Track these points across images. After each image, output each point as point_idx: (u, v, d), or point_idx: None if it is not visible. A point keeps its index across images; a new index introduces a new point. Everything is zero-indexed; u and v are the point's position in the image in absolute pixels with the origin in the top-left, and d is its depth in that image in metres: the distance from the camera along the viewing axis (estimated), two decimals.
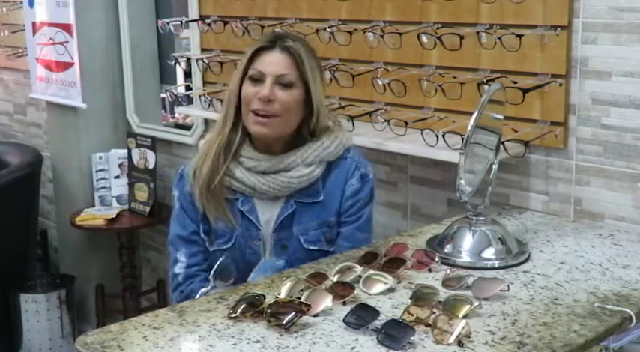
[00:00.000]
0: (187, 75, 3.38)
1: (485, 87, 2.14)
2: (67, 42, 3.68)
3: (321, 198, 2.02)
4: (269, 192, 1.99)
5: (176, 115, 3.90)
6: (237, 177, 1.99)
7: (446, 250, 1.88)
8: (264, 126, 1.94)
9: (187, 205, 2.05)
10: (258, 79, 1.93)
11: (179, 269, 2.05)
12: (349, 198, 2.03)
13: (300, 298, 1.58)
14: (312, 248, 2.00)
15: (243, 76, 1.96)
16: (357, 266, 1.75)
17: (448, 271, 1.75)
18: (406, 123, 2.36)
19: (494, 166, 1.94)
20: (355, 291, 1.63)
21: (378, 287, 1.67)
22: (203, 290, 1.84)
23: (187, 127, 3.56)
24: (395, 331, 1.45)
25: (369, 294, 1.66)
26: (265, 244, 2.02)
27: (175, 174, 3.39)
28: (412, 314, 1.51)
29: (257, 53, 1.95)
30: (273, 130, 1.95)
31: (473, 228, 1.88)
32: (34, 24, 3.90)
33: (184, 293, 2.02)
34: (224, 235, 2.02)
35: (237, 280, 1.91)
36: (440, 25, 2.34)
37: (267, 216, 2.02)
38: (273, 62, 1.93)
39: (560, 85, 2.13)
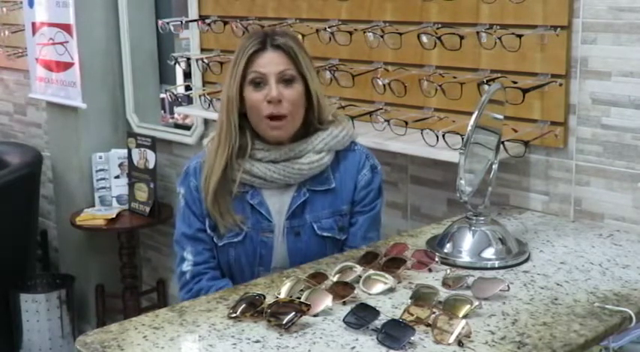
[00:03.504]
0: (187, 75, 3.38)
1: (486, 87, 2.14)
2: (66, 42, 3.68)
3: (333, 185, 2.03)
4: (279, 180, 1.99)
5: (175, 115, 3.90)
6: (247, 169, 1.98)
7: (446, 250, 1.88)
8: (279, 130, 1.96)
9: (193, 201, 2.04)
10: (259, 82, 1.94)
11: (186, 267, 2.03)
12: (363, 189, 2.06)
13: (300, 298, 1.58)
14: (325, 234, 2.01)
15: (242, 81, 1.96)
16: (357, 266, 1.75)
17: (448, 271, 1.75)
18: (406, 123, 2.36)
19: (494, 166, 1.94)
20: (355, 291, 1.63)
21: (378, 287, 1.67)
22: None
23: (187, 127, 3.57)
24: (395, 331, 1.45)
25: (369, 294, 1.66)
26: (277, 235, 2.01)
27: (176, 174, 3.39)
28: (412, 314, 1.51)
29: (251, 57, 1.95)
30: (288, 130, 1.97)
31: (473, 228, 1.88)
32: (33, 24, 3.90)
33: (192, 291, 2.01)
34: (233, 229, 2.01)
35: (248, 274, 1.98)
36: (440, 25, 2.34)
37: (279, 205, 2.02)
38: (270, 62, 1.94)
39: (560, 85, 2.13)
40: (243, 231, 2.00)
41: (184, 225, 2.06)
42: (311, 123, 2.02)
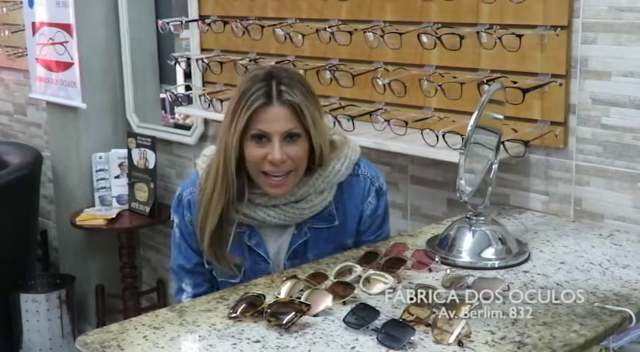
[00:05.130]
0: (187, 75, 3.38)
1: (486, 87, 2.14)
2: (66, 42, 3.68)
3: (336, 222, 1.96)
4: (279, 223, 1.92)
5: (176, 116, 3.91)
6: (245, 213, 1.90)
7: (446, 250, 1.88)
8: (281, 188, 1.86)
9: (189, 235, 1.97)
10: (262, 137, 1.83)
11: (186, 298, 1.99)
12: (368, 218, 1.99)
13: (300, 298, 1.58)
14: None
15: (243, 133, 1.83)
16: (357, 266, 1.75)
17: (448, 271, 1.75)
18: (406, 123, 2.36)
19: (494, 166, 1.94)
20: (355, 291, 1.63)
21: (378, 287, 1.67)
22: None
23: (187, 127, 3.57)
24: (395, 331, 1.45)
25: (369, 294, 1.66)
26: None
27: (175, 174, 3.37)
28: (412, 314, 1.51)
29: (255, 112, 1.81)
30: (290, 187, 1.88)
31: (473, 228, 1.88)
32: (33, 24, 3.90)
33: None
34: (229, 273, 1.94)
35: None
36: (440, 25, 2.34)
37: (278, 245, 1.96)
38: (275, 119, 1.81)
39: (560, 85, 2.13)
40: (240, 272, 1.94)
41: (181, 256, 2.00)
42: (311, 166, 1.91)
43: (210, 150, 2.00)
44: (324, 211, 1.94)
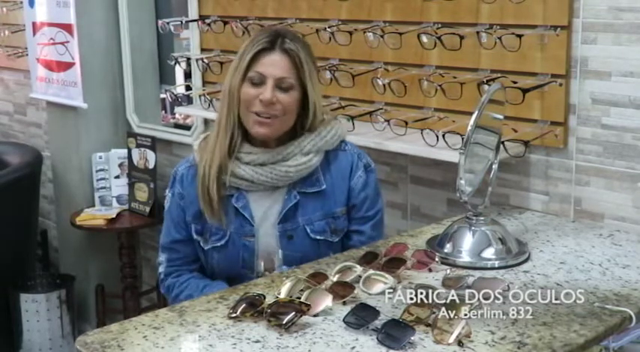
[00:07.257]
0: (187, 75, 3.38)
1: (485, 87, 2.14)
2: (67, 42, 3.68)
3: (324, 186, 2.01)
4: (267, 183, 1.98)
5: (176, 116, 3.91)
6: (235, 172, 1.97)
7: (446, 250, 1.88)
8: (265, 127, 1.94)
9: (175, 208, 2.07)
10: (258, 81, 1.93)
11: (161, 269, 2.12)
12: (361, 191, 2.04)
13: (300, 298, 1.58)
14: (318, 237, 2.00)
15: (244, 76, 1.95)
16: (357, 266, 1.75)
17: (448, 271, 1.75)
18: (406, 123, 2.36)
19: (494, 166, 1.94)
20: (355, 291, 1.63)
21: (378, 287, 1.67)
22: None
23: (187, 127, 3.57)
24: (395, 331, 1.45)
25: (369, 294, 1.66)
26: (262, 237, 2.00)
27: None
28: (412, 314, 1.51)
29: (256, 55, 1.94)
30: (274, 130, 1.96)
31: (473, 228, 1.88)
32: (34, 24, 3.90)
33: (165, 287, 2.12)
34: (217, 233, 2.02)
35: (235, 277, 1.98)
36: (440, 25, 2.34)
37: (265, 208, 2.01)
38: (273, 64, 1.93)
39: (560, 84, 2.13)
40: (226, 234, 2.01)
41: (164, 232, 2.11)
42: (300, 127, 2.00)
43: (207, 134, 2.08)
44: (312, 176, 2.01)
